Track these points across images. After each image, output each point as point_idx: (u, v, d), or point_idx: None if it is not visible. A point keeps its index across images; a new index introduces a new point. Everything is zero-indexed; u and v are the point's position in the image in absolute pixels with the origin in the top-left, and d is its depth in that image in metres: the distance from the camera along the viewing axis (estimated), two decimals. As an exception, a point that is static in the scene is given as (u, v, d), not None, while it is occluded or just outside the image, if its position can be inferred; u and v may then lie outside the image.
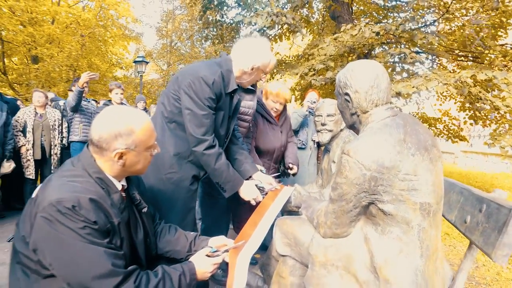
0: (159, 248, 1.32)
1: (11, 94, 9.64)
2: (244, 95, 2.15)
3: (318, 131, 2.02)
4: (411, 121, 1.18)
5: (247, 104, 2.19)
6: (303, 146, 2.97)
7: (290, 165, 2.41)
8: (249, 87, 2.09)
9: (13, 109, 4.00)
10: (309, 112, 3.13)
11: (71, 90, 4.32)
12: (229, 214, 2.36)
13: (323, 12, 7.89)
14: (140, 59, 10.08)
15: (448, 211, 1.44)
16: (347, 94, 1.22)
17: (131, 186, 1.20)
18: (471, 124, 5.60)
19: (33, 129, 3.89)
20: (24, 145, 3.83)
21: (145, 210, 1.22)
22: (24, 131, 3.85)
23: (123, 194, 1.15)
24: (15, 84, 11.17)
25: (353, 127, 1.30)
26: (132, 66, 13.02)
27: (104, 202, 1.00)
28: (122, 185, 1.14)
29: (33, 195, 1.03)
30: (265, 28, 7.04)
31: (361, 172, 1.08)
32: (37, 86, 9.61)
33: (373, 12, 7.82)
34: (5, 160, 3.60)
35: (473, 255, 1.17)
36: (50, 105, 4.37)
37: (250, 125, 2.29)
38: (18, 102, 4.94)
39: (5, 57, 11.05)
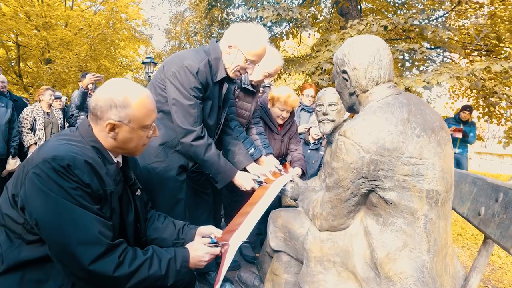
0: (147, 235, 1.26)
1: (25, 96, 9.87)
2: (243, 96, 2.01)
3: (319, 121, 1.90)
4: (416, 100, 1.06)
5: (244, 105, 2.03)
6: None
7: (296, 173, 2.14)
8: (249, 87, 1.97)
9: (21, 107, 4.02)
10: (303, 109, 3.04)
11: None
12: (218, 213, 2.21)
13: (330, 9, 7.76)
14: (149, 60, 10.14)
15: (459, 204, 1.30)
16: (344, 71, 1.11)
17: (127, 165, 1.16)
18: (485, 121, 5.34)
19: (44, 126, 3.91)
20: (36, 143, 3.83)
21: (138, 193, 1.19)
22: (33, 129, 3.86)
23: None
24: (29, 87, 11.45)
25: (352, 109, 1.19)
26: (142, 68, 13.15)
27: (100, 169, 0.97)
28: (118, 161, 1.10)
29: (28, 155, 0.99)
30: (271, 24, 6.94)
31: (359, 154, 0.96)
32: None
33: (382, 10, 7.64)
34: (10, 157, 3.62)
35: (489, 251, 1.03)
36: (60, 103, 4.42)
37: (244, 128, 2.11)
38: (24, 100, 5.01)
39: (20, 61, 11.37)
